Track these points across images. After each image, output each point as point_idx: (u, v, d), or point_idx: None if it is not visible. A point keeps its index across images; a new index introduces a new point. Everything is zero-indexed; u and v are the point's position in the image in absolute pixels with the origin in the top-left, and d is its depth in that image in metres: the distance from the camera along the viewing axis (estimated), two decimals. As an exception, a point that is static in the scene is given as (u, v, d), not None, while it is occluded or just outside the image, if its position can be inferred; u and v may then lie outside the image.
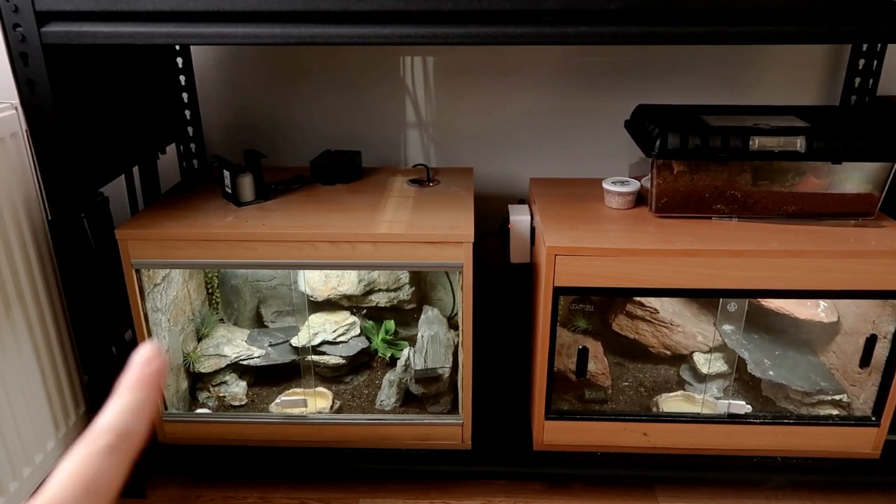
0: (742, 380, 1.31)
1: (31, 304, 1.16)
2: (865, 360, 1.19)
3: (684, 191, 1.19)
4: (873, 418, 1.20)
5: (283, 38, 0.98)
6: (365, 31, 0.98)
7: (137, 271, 1.16)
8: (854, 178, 1.17)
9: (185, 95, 1.49)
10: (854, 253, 1.08)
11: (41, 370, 1.19)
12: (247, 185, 1.24)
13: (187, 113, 1.50)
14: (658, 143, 1.14)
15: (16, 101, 1.08)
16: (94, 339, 1.19)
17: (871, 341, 1.17)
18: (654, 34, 0.98)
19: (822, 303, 1.30)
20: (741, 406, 1.22)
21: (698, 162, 1.16)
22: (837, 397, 1.25)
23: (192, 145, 1.53)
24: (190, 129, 1.52)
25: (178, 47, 1.45)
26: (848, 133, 1.13)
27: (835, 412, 1.25)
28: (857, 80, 1.44)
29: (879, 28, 0.97)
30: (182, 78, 1.47)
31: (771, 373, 1.27)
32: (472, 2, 0.96)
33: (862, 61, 1.43)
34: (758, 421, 1.22)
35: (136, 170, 1.37)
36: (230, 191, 1.24)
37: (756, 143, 1.13)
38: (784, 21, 0.97)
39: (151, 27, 0.98)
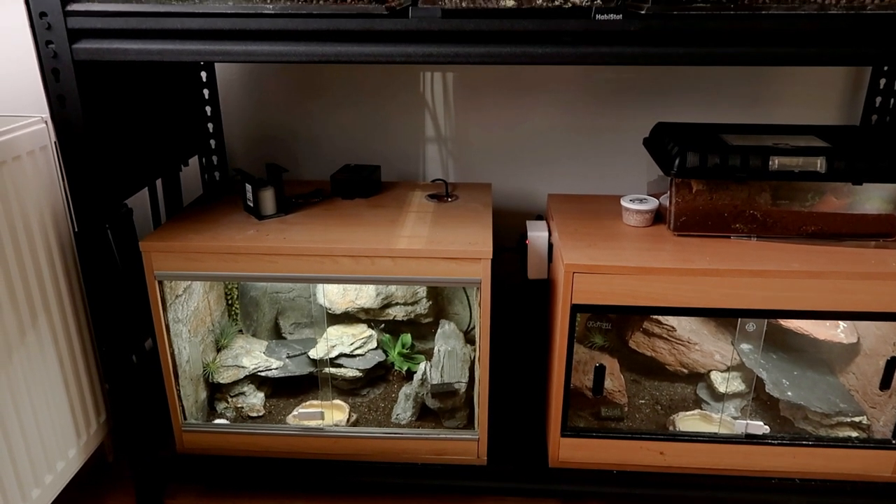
0: (760, 399, 1.30)
1: (55, 314, 1.18)
2: (886, 383, 1.18)
3: (703, 209, 1.19)
4: (894, 441, 1.19)
5: (307, 57, 0.99)
6: (388, 49, 0.99)
7: (160, 282, 1.18)
8: (875, 198, 1.17)
9: (208, 109, 1.51)
10: (874, 274, 1.07)
11: (64, 379, 1.21)
12: (268, 198, 1.25)
13: (210, 126, 1.53)
14: (677, 161, 1.15)
15: (45, 114, 1.11)
16: (115, 348, 1.21)
17: (892, 363, 1.16)
18: (675, 55, 0.98)
19: (842, 323, 1.29)
20: (759, 426, 1.22)
21: (717, 181, 1.16)
22: (857, 419, 1.24)
23: (215, 158, 1.55)
24: (212, 142, 1.54)
25: (202, 62, 1.47)
26: (869, 154, 1.12)
27: (854, 434, 1.24)
28: (878, 99, 1.44)
29: (901, 50, 0.97)
30: (206, 92, 1.50)
31: (789, 393, 1.26)
32: (494, 22, 0.97)
33: (883, 81, 1.42)
34: (776, 442, 1.21)
35: (159, 182, 1.40)
36: (252, 204, 1.26)
37: (776, 162, 1.13)
38: (805, 43, 0.97)
39: (179, 44, 1.00)
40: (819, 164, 1.12)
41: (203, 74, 1.48)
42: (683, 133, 1.24)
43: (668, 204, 1.21)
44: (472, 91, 1.54)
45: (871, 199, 1.17)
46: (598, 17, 0.96)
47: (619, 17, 0.96)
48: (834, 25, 0.96)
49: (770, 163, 1.13)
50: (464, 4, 0.97)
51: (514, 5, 0.97)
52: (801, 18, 0.96)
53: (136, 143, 1.23)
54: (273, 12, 0.98)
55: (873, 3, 0.94)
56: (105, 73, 1.10)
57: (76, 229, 1.12)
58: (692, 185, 1.18)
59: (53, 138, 1.15)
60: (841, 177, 1.13)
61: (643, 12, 0.96)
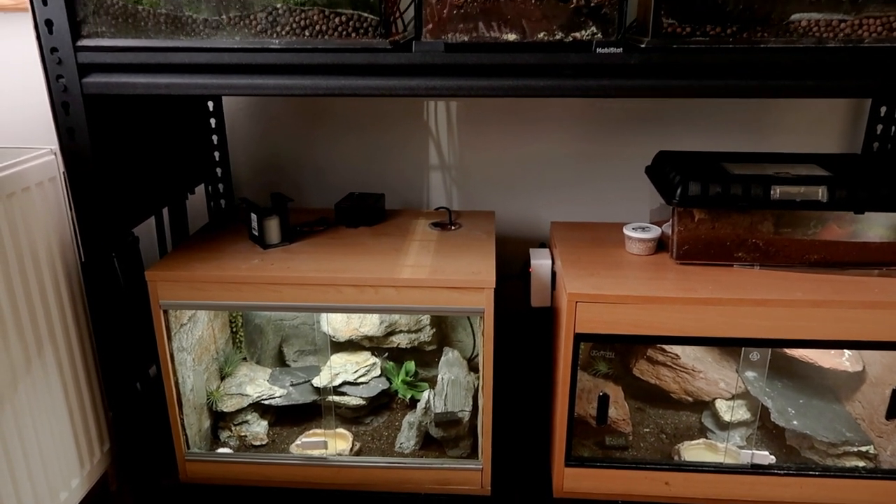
0: (765, 428, 1.29)
1: (61, 343, 1.18)
2: (892, 412, 1.17)
3: (705, 238, 1.19)
4: (901, 472, 1.18)
5: (312, 90, 1.01)
6: (391, 83, 1.01)
7: (165, 312, 1.18)
8: (877, 226, 1.17)
9: (214, 138, 1.53)
10: (879, 304, 1.07)
11: (69, 408, 1.21)
12: (273, 227, 1.26)
13: (216, 154, 1.54)
14: (679, 190, 1.15)
15: (55, 146, 1.13)
16: (120, 376, 1.21)
17: (898, 393, 1.16)
18: (675, 87, 1.00)
19: (847, 352, 1.29)
20: (765, 456, 1.21)
21: (719, 210, 1.17)
22: (864, 449, 1.23)
23: (221, 186, 1.57)
24: (219, 171, 1.56)
25: (209, 92, 1.49)
26: (870, 182, 1.13)
27: (861, 464, 1.23)
28: (879, 127, 1.44)
29: (900, 82, 0.98)
30: (212, 121, 1.52)
31: (795, 422, 1.26)
32: (497, 56, 0.99)
33: (884, 109, 1.43)
34: (782, 472, 1.20)
35: (165, 210, 1.41)
36: (257, 233, 1.27)
37: (777, 192, 1.13)
38: (804, 75, 0.98)
39: (187, 78, 1.02)
40: (820, 193, 1.13)
41: (210, 104, 1.51)
42: (685, 162, 1.25)
43: (670, 232, 1.21)
44: (475, 120, 1.56)
45: (873, 227, 1.17)
46: (599, 50, 0.98)
47: (620, 50, 0.98)
48: (832, 58, 0.97)
49: (772, 192, 1.13)
50: (466, 39, 0.99)
51: (517, 39, 0.99)
52: (800, 52, 0.97)
53: (144, 173, 1.24)
54: (279, 47, 1.00)
55: (870, 37, 0.96)
56: (114, 105, 1.12)
57: (83, 259, 1.13)
58: (694, 214, 1.18)
59: (62, 169, 1.17)
60: (842, 206, 1.13)
61: (643, 46, 0.98)
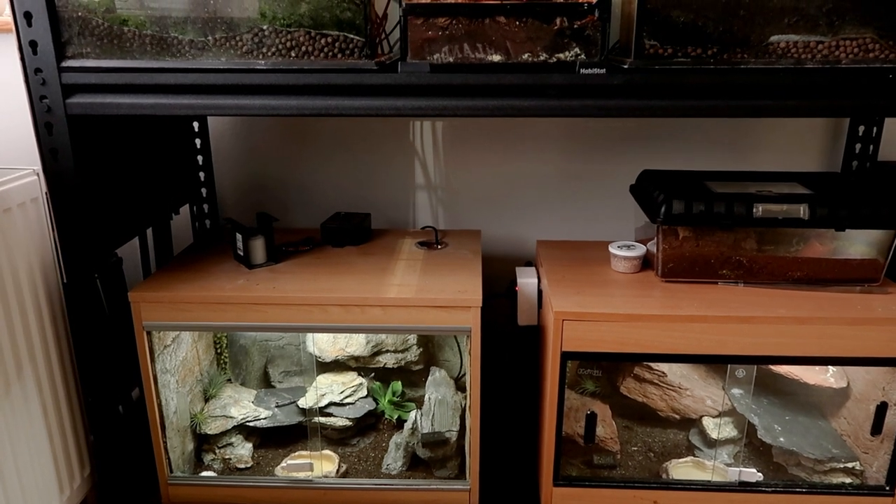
0: (752, 445, 1.29)
1: (41, 365, 1.16)
2: (877, 428, 1.18)
3: (690, 256, 1.20)
4: (887, 488, 1.18)
5: (298, 110, 1.01)
6: (377, 103, 1.01)
7: (148, 333, 1.17)
8: (858, 244, 1.18)
9: (200, 158, 1.53)
10: (861, 320, 1.08)
11: (49, 431, 1.19)
12: (258, 248, 1.26)
13: (202, 175, 1.54)
14: (663, 209, 1.16)
15: (37, 167, 1.12)
16: (102, 398, 1.19)
17: (882, 409, 1.16)
18: (657, 107, 1.01)
19: (831, 368, 1.30)
20: (752, 474, 1.21)
21: (703, 228, 1.18)
22: (850, 465, 1.23)
23: (206, 206, 1.56)
24: (204, 191, 1.55)
25: (195, 112, 1.49)
26: (851, 200, 1.14)
27: (848, 480, 1.23)
28: (858, 145, 1.47)
29: (877, 102, 1.00)
30: (198, 141, 1.52)
31: (781, 439, 1.26)
32: (481, 76, 1.00)
33: (862, 128, 1.46)
34: (769, 489, 1.20)
35: (149, 230, 1.40)
36: (242, 253, 1.26)
37: (760, 210, 1.15)
38: (783, 96, 1.00)
39: (172, 99, 1.02)
40: (802, 210, 1.14)
41: (195, 125, 1.50)
42: (669, 180, 1.26)
43: (655, 250, 1.22)
44: (460, 139, 1.57)
45: (854, 244, 1.19)
46: (583, 71, 0.99)
47: (603, 71, 0.99)
48: (811, 79, 0.99)
49: (754, 210, 1.15)
50: (451, 59, 1.00)
51: (501, 60, 1.00)
52: (779, 72, 0.99)
53: (128, 193, 1.24)
54: (265, 67, 1.00)
55: (847, 58, 0.98)
56: (98, 125, 1.12)
57: (65, 280, 1.12)
58: (679, 232, 1.19)
59: (45, 190, 1.16)
60: (823, 223, 1.14)
61: (626, 67, 0.99)
